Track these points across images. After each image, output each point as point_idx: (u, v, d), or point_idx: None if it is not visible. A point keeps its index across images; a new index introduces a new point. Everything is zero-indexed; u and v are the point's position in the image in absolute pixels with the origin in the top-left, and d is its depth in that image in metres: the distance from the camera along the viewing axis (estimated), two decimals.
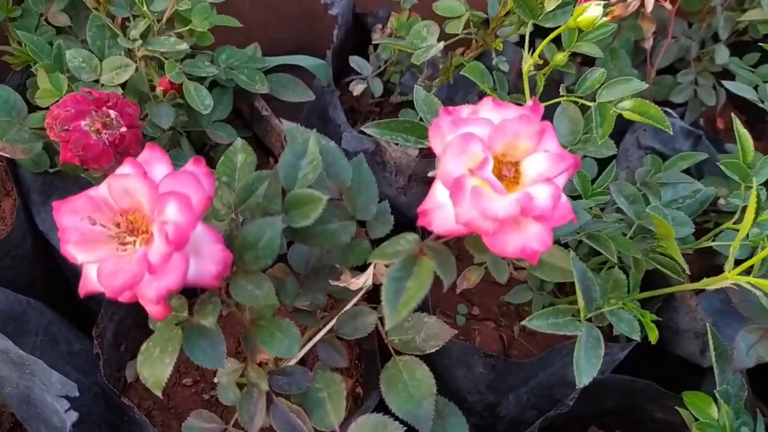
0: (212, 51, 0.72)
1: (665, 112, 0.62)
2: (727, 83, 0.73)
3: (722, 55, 0.87)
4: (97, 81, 0.65)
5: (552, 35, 0.61)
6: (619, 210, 0.68)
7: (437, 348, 0.52)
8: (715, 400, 0.57)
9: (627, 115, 0.56)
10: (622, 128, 0.84)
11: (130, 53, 0.65)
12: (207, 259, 0.42)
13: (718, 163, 0.57)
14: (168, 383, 0.67)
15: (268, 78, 0.72)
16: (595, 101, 0.59)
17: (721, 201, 0.79)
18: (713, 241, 0.64)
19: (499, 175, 0.44)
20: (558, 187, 0.44)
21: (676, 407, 0.61)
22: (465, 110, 0.46)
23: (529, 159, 0.45)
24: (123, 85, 0.66)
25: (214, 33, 0.72)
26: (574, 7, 0.60)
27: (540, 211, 0.42)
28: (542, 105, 0.46)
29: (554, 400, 0.66)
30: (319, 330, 0.55)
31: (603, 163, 0.76)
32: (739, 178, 0.63)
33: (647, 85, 0.59)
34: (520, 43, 0.86)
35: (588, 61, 0.87)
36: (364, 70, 0.80)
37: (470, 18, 0.70)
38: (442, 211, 0.45)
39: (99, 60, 0.64)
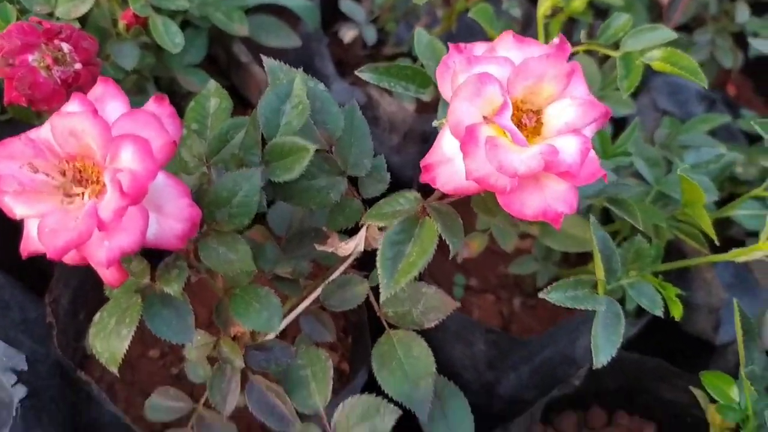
0: None
1: None
2: (754, 41, 0.66)
3: (743, 13, 0.81)
4: (51, 14, 0.57)
5: None
6: (633, 174, 0.62)
7: (437, 322, 0.46)
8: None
9: (657, 65, 0.50)
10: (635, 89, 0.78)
11: None
12: (170, 216, 0.35)
13: (752, 122, 0.51)
14: (132, 355, 0.61)
15: (247, 20, 0.64)
16: (618, 50, 0.52)
17: (738, 169, 0.74)
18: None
19: (518, 123, 0.38)
20: (587, 139, 0.38)
21: (692, 387, 0.56)
22: (480, 47, 0.40)
23: (554, 106, 0.39)
24: (82, 21, 0.58)
25: None
26: None
27: (566, 166, 0.36)
28: (569, 45, 0.39)
29: (557, 379, 0.61)
30: (303, 300, 0.48)
31: (617, 124, 0.70)
32: None
33: (677, 35, 0.52)
34: None
35: (600, 15, 0.80)
36: (356, 16, 0.72)
37: None
38: (449, 165, 0.39)
39: None
